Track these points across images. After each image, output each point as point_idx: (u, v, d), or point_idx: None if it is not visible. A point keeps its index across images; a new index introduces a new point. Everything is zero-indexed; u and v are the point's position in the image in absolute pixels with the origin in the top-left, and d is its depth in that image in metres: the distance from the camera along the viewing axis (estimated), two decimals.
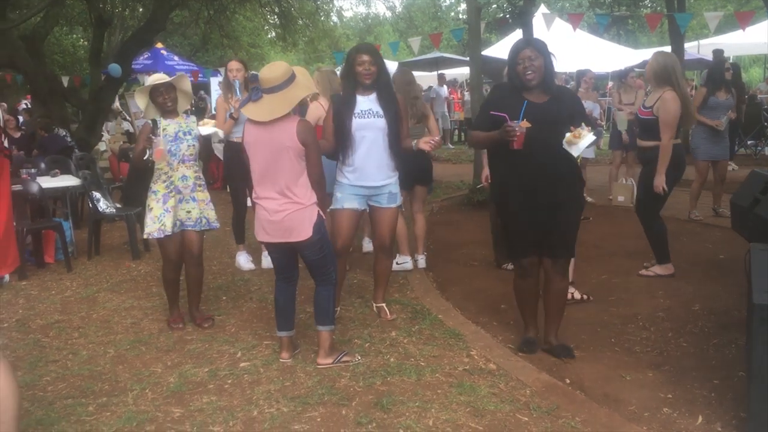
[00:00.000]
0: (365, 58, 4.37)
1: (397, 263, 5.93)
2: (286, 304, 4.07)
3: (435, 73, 20.59)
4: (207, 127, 4.96)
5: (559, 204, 3.91)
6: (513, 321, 4.60)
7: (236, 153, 5.29)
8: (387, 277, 4.89)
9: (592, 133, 3.70)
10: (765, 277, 3.17)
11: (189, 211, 4.67)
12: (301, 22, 23.53)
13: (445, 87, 18.52)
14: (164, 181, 4.62)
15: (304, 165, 3.77)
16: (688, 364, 3.96)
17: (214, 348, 4.34)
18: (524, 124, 3.70)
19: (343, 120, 4.40)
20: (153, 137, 4.50)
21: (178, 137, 4.59)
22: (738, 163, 11.49)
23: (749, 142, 13.44)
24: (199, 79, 18.31)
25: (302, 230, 3.78)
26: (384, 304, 4.85)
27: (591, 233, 7.10)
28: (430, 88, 20.23)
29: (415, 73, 21.87)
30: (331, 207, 4.57)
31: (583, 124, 3.74)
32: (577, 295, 5.01)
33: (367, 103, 4.44)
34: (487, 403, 3.43)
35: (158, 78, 4.68)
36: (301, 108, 4.82)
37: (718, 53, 10.60)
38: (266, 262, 6.09)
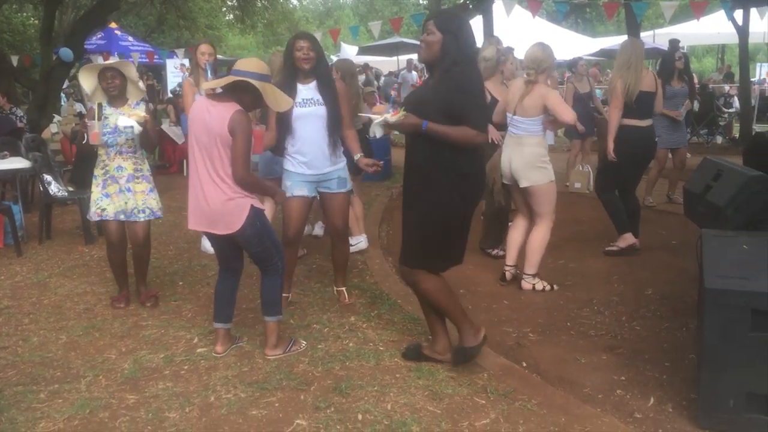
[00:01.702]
0: (303, 43, 4.37)
1: (351, 245, 5.96)
2: (224, 294, 3.94)
3: (395, 58, 20.58)
4: (126, 119, 4.57)
5: (408, 204, 3.64)
6: (471, 305, 4.63)
7: None
8: (346, 263, 4.88)
9: (389, 112, 3.45)
10: (716, 263, 3.25)
11: (126, 202, 4.67)
12: (260, 4, 23.30)
13: (414, 73, 18.38)
14: (102, 168, 4.69)
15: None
16: (641, 347, 4.05)
17: (170, 333, 4.28)
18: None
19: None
20: (87, 121, 4.53)
21: (117, 129, 4.57)
22: (691, 151, 11.71)
23: (702, 131, 13.73)
24: (155, 60, 17.96)
25: (231, 222, 3.59)
26: (344, 288, 4.85)
27: None
28: (390, 73, 20.20)
29: (376, 58, 21.71)
30: None
31: (401, 108, 3.47)
32: (539, 286, 5.06)
33: (307, 91, 4.43)
34: (445, 386, 3.46)
35: (107, 62, 4.70)
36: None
37: (673, 43, 10.80)
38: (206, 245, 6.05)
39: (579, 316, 4.55)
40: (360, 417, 3.20)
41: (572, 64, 9.75)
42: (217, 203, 3.57)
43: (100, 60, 14.62)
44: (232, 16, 27.29)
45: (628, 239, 5.80)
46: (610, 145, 5.77)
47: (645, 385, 3.58)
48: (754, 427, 2.99)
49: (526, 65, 4.94)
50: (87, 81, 4.59)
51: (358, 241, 6.05)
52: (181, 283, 5.32)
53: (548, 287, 5.07)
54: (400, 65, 19.85)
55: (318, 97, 4.42)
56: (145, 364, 3.84)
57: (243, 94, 3.56)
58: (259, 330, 4.27)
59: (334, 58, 21.29)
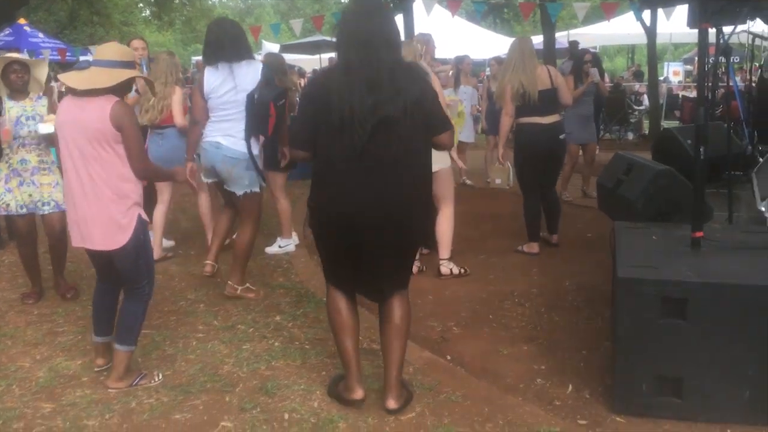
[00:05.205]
0: None
1: (279, 246, 5.92)
2: (103, 307, 3.67)
3: (318, 56, 20.47)
4: (47, 125, 4.46)
5: None
6: None
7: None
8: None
9: None
10: (628, 253, 3.40)
11: (30, 194, 4.65)
12: (177, 0, 22.75)
13: None
14: (5, 162, 4.63)
15: (121, 154, 3.27)
16: (560, 336, 4.18)
17: (87, 339, 4.12)
18: None
19: None
20: None
21: (20, 122, 4.56)
22: (603, 147, 12.14)
23: (614, 128, 14.27)
24: (67, 57, 17.28)
25: (116, 237, 3.31)
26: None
27: (470, 215, 7.33)
28: (314, 71, 20.06)
29: (298, 57, 21.53)
30: None
31: None
32: (456, 270, 5.26)
33: None
34: (372, 382, 3.47)
35: (16, 56, 4.60)
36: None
37: (574, 44, 11.35)
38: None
39: (501, 309, 4.66)
40: (287, 416, 3.19)
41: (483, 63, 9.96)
42: (104, 210, 3.28)
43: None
44: (148, 12, 26.57)
45: (532, 248, 5.89)
46: (500, 151, 6.24)
47: (563, 373, 3.70)
48: (666, 409, 3.14)
49: None
50: None
51: (287, 243, 5.99)
52: None
53: (463, 270, 5.28)
54: (322, 63, 19.75)
55: None
56: (62, 371, 3.71)
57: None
58: (182, 333, 4.20)
59: (258, 57, 21.05)
